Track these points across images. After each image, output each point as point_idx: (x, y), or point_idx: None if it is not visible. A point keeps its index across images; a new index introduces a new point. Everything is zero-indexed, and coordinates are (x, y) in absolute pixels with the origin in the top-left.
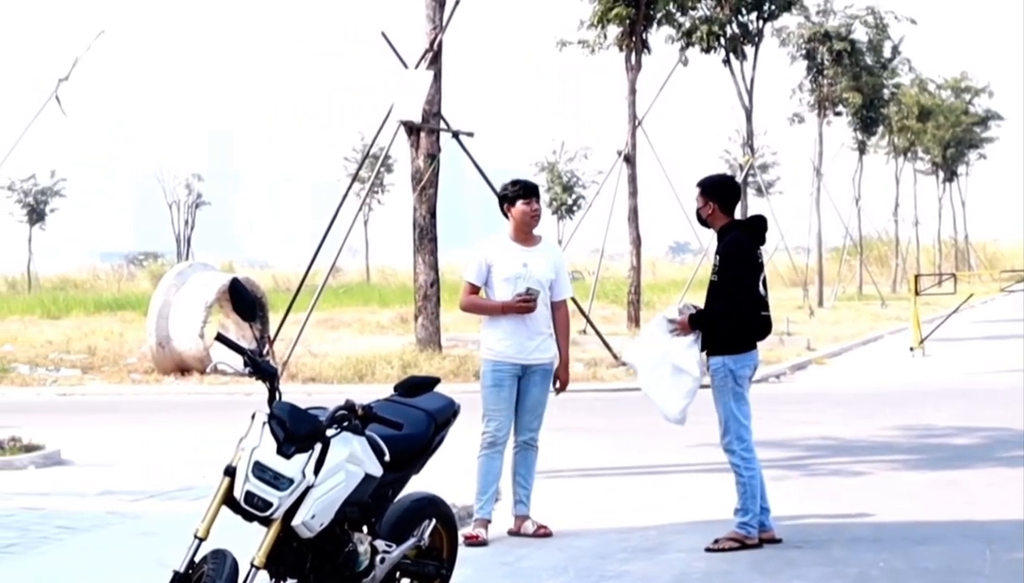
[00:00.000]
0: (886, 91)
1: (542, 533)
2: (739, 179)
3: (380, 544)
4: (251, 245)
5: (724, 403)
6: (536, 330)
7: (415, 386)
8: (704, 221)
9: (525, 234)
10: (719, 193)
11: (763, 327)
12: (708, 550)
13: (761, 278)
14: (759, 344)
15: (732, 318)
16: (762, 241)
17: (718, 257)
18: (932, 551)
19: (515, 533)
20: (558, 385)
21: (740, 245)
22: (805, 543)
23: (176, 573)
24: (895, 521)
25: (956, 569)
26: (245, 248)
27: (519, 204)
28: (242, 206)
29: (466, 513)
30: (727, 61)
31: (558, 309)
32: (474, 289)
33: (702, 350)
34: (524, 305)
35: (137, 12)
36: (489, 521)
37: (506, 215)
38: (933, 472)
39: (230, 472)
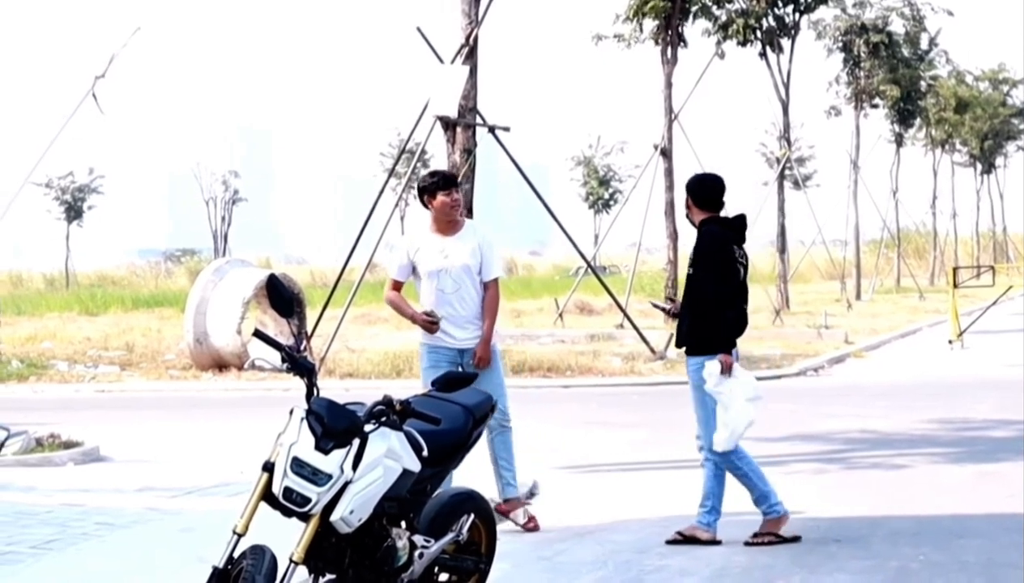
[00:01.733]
0: (923, 83)
1: (531, 526)
2: (776, 172)
3: (418, 539)
4: (288, 241)
5: (703, 403)
6: (467, 318)
7: (453, 381)
8: (691, 221)
9: (446, 224)
10: (693, 189)
11: (744, 323)
12: (746, 544)
13: (741, 271)
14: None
15: (719, 310)
16: (741, 239)
17: (693, 250)
18: (972, 544)
19: (504, 515)
20: (478, 361)
21: (713, 238)
22: (845, 537)
23: (215, 569)
24: (935, 514)
25: (996, 562)
26: (282, 244)
27: (439, 195)
28: (279, 202)
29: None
30: (763, 54)
31: (488, 288)
32: (397, 285)
33: (689, 353)
34: (427, 326)
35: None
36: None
37: (426, 206)
38: (973, 465)
39: (268, 468)
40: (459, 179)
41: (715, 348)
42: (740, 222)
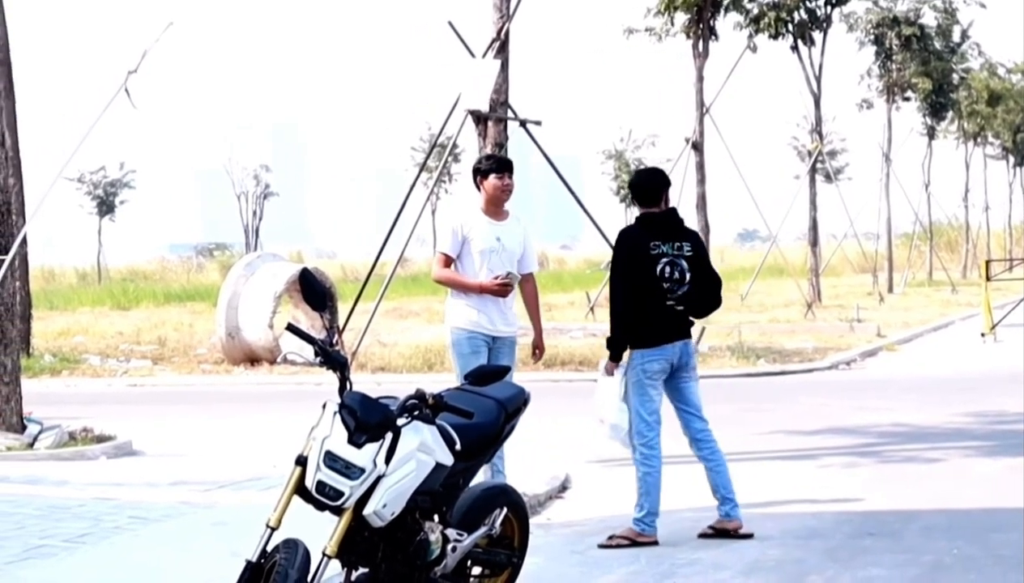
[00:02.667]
0: (955, 76)
1: None
2: (808, 165)
3: (451, 533)
4: (320, 235)
5: (632, 398)
6: (506, 304)
7: (486, 375)
8: None
9: (496, 208)
10: (632, 186)
11: (672, 319)
12: (601, 547)
13: (666, 269)
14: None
15: (619, 314)
16: (664, 234)
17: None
18: (1007, 538)
19: None
20: (538, 352)
21: (625, 237)
22: (879, 531)
23: (248, 562)
24: (969, 508)
25: None
26: (314, 238)
27: (492, 178)
28: (311, 197)
29: (536, 502)
30: (795, 47)
31: (527, 282)
32: (448, 260)
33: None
34: (502, 289)
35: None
36: None
37: (478, 188)
38: (1007, 458)
39: (301, 462)
40: (510, 166)
41: (642, 341)
42: (664, 217)
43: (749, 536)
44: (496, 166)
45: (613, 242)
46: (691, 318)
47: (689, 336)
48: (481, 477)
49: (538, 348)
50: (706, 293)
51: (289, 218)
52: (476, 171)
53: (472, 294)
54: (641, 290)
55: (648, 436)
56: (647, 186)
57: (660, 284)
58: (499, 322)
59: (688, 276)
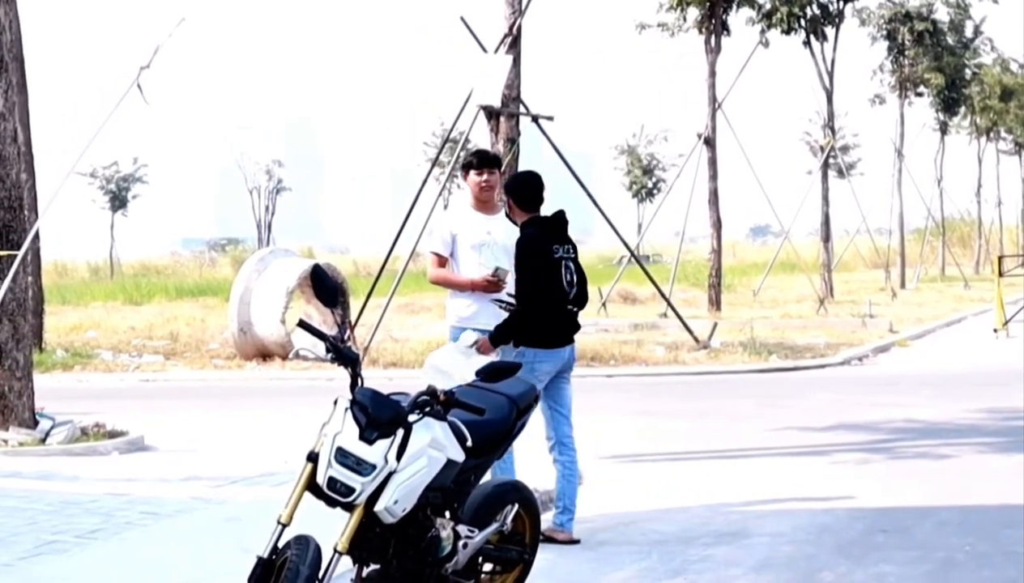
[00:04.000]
0: (968, 71)
1: None
2: (820, 160)
3: (463, 529)
4: (333, 230)
5: (545, 402)
6: (501, 299)
7: (497, 371)
8: (513, 219)
9: (481, 203)
10: (512, 190)
11: (569, 322)
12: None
13: (567, 273)
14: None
15: (527, 315)
16: (559, 237)
17: (515, 253)
18: (1020, 534)
19: None
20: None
21: (529, 241)
22: (891, 527)
23: (260, 558)
24: (982, 504)
25: None
26: (326, 233)
27: (472, 174)
28: (324, 192)
29: (547, 498)
30: (807, 42)
31: None
32: (441, 261)
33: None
34: (491, 285)
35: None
36: None
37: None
38: (1020, 454)
39: (313, 458)
40: (502, 165)
41: (536, 341)
42: (557, 220)
43: (576, 542)
44: (477, 162)
45: (517, 244)
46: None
47: (573, 341)
48: (488, 475)
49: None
50: (586, 292)
51: (302, 213)
52: (463, 166)
53: (467, 292)
54: (547, 293)
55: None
56: (533, 189)
57: (564, 288)
58: (496, 317)
59: (576, 278)
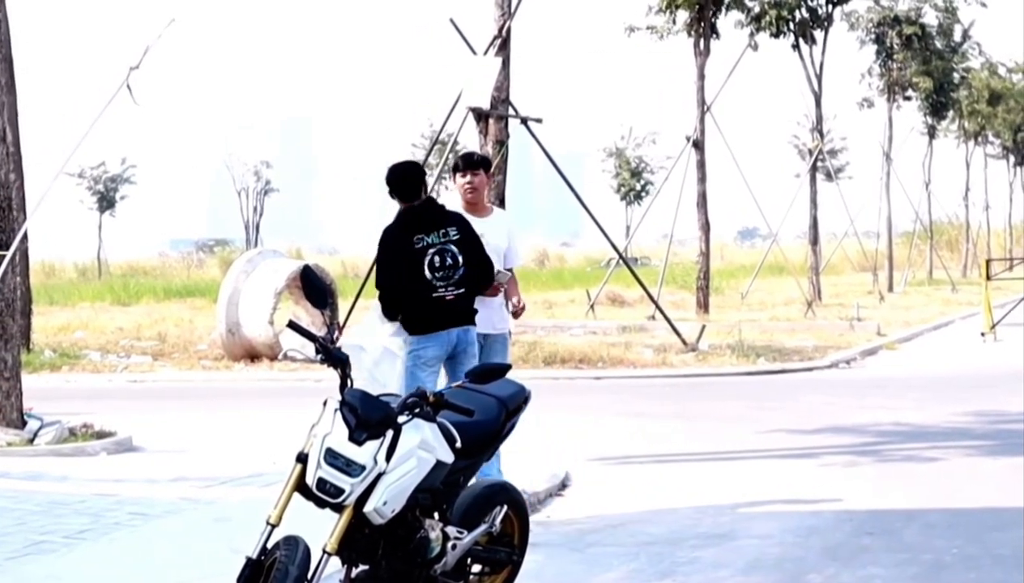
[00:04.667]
0: (956, 75)
1: None
2: (808, 163)
3: (451, 530)
4: (322, 231)
5: (404, 380)
6: (495, 302)
7: (486, 373)
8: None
9: (471, 205)
10: (390, 182)
11: (444, 308)
12: None
13: (435, 259)
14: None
15: (383, 302)
16: (427, 226)
17: None
18: (1007, 537)
19: None
20: (518, 305)
21: (386, 234)
22: (878, 530)
23: (249, 559)
24: (969, 507)
25: None
26: (316, 234)
27: (457, 176)
28: (314, 193)
29: (536, 499)
30: (796, 46)
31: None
32: None
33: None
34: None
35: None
36: None
37: None
38: (1007, 457)
39: (302, 459)
40: (491, 168)
41: (412, 327)
42: (423, 209)
43: None
44: (462, 165)
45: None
46: (472, 304)
47: (470, 323)
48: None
49: (519, 303)
50: (481, 271)
51: (292, 214)
52: (451, 170)
53: None
54: (410, 284)
55: None
56: (407, 180)
57: (427, 277)
58: (488, 321)
59: (461, 259)
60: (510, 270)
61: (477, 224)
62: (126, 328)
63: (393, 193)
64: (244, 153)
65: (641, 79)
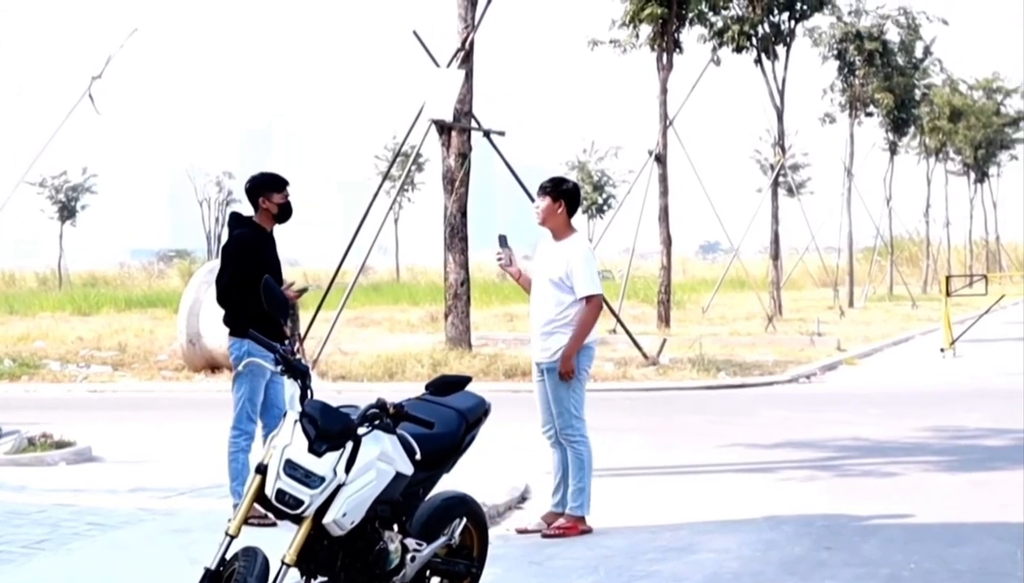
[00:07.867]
0: (917, 92)
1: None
2: (770, 178)
3: (411, 542)
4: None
5: (235, 387)
6: (536, 326)
7: (446, 385)
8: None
9: (549, 229)
10: (250, 191)
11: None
12: None
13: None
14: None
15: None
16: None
17: None
18: (964, 553)
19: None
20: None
21: (240, 241)
22: (837, 544)
23: (207, 570)
24: (927, 522)
25: (988, 571)
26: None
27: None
28: None
29: (495, 512)
30: (759, 61)
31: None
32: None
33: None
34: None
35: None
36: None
37: None
38: (965, 473)
39: (261, 470)
40: (561, 193)
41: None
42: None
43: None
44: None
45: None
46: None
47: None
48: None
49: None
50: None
51: None
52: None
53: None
54: (250, 287)
55: (242, 428)
56: (254, 185)
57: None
58: (534, 343)
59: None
60: (580, 299)
61: (548, 248)
62: (86, 338)
63: (248, 197)
64: (206, 163)
65: (604, 93)
